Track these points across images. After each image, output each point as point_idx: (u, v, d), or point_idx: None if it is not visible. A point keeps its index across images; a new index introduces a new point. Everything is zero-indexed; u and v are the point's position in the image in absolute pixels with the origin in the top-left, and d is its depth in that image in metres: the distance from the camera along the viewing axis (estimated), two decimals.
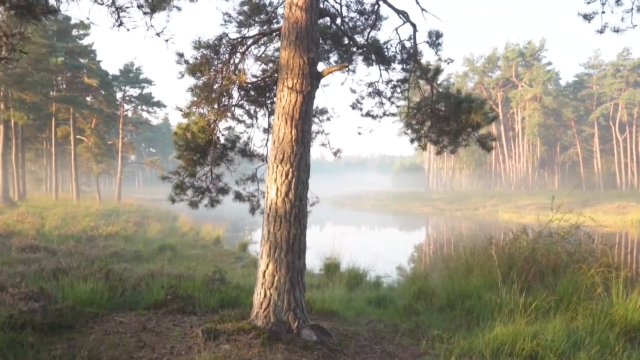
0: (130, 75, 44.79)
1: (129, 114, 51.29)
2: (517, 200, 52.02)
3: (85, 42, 38.67)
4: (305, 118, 5.15)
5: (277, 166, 5.08)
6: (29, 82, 27.86)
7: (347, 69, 6.81)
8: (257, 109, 7.11)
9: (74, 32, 37.46)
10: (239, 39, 6.15)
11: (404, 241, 27.22)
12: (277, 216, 5.03)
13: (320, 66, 5.75)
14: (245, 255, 15.95)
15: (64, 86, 39.65)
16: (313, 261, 13.72)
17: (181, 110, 6.03)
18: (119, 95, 45.21)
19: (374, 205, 67.54)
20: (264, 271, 5.06)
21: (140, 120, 53.84)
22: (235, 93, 6.72)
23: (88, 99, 41.45)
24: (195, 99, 6.09)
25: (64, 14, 38.51)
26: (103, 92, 39.17)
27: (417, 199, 66.25)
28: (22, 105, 30.31)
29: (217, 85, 6.04)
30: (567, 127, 72.78)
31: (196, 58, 6.05)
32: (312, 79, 5.21)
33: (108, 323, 5.59)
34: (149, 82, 46.20)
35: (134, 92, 46.37)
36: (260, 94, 7.04)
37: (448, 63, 7.00)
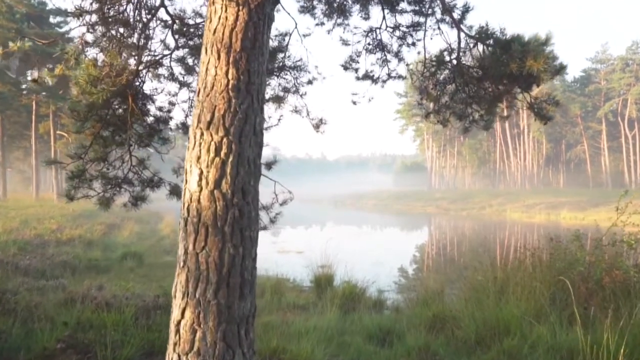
0: None
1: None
2: (524, 199, 49.97)
3: (64, 30, 36.28)
4: (252, 50, 2.92)
5: (202, 134, 2.84)
6: None
7: None
8: None
9: (53, 20, 35.07)
10: None
11: (409, 244, 24.99)
12: (201, 223, 2.79)
13: None
14: None
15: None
16: (302, 271, 11.55)
17: (66, 53, 3.77)
18: None
19: (375, 205, 65.66)
20: (178, 322, 2.82)
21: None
22: (170, 39, 4.49)
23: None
24: (88, 31, 3.88)
25: None
26: None
27: (420, 198, 64.24)
28: None
29: (128, 14, 3.82)
30: (574, 124, 70.61)
31: None
32: None
33: None
34: None
35: None
36: None
37: None
